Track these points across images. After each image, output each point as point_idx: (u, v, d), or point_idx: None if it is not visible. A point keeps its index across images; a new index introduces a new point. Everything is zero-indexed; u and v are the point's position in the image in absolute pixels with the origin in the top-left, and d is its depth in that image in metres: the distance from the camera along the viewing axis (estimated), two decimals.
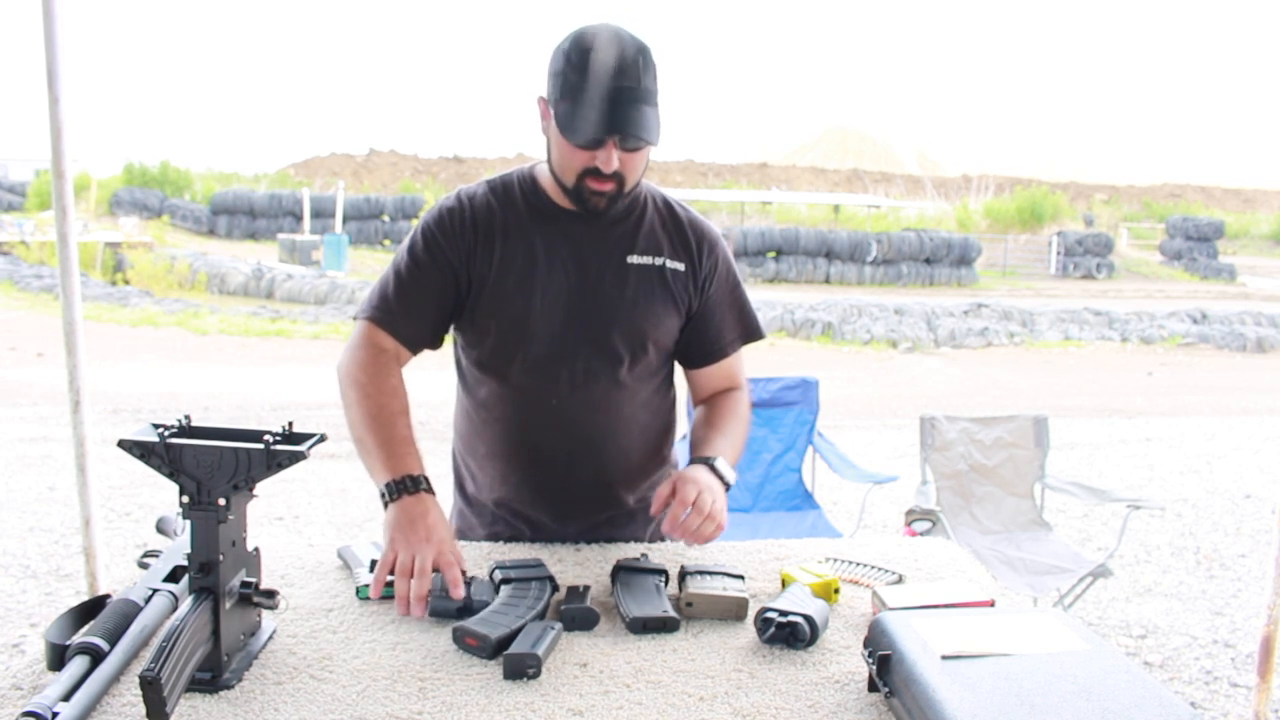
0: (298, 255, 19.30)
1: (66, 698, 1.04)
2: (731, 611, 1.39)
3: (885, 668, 1.13)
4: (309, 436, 1.20)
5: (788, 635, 1.29)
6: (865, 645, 1.20)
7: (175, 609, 1.28)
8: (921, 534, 3.31)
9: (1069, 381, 10.35)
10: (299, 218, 23.74)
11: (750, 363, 1.82)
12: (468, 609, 1.34)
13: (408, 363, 1.63)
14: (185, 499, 1.15)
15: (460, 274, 1.60)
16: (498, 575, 1.42)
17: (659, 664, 1.25)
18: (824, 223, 27.23)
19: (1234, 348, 13.09)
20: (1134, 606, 4.04)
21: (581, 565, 1.58)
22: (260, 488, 1.19)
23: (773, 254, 21.97)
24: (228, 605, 1.17)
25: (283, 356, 10.33)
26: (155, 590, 1.29)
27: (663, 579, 1.45)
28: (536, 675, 1.20)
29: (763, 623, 1.31)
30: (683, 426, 1.79)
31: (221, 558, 1.15)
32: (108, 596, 1.28)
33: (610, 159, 1.49)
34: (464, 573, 1.36)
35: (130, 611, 1.22)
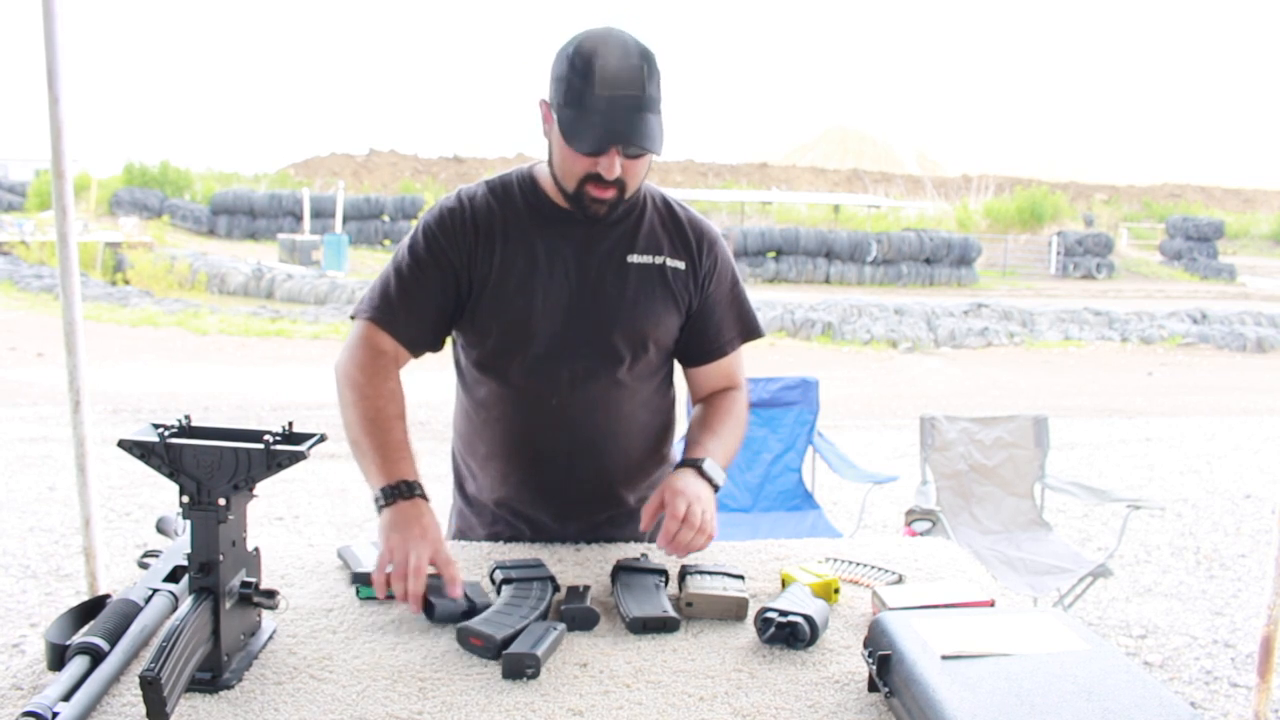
0: (298, 255, 19.30)
1: (66, 698, 1.04)
2: (731, 611, 1.39)
3: (885, 668, 1.13)
4: (309, 436, 1.20)
5: (788, 635, 1.29)
6: (865, 645, 1.21)
7: (175, 609, 1.28)
8: (921, 534, 3.31)
9: (1069, 381, 10.34)
10: (299, 218, 23.72)
11: (750, 363, 1.82)
12: (473, 612, 1.34)
13: (406, 364, 1.62)
14: (185, 499, 1.16)
15: (461, 275, 1.60)
16: (498, 575, 1.42)
17: (659, 664, 1.25)
18: (824, 223, 27.22)
19: (1234, 348, 13.09)
20: (1134, 606, 4.04)
21: (581, 565, 1.58)
22: (260, 488, 1.19)
23: (773, 254, 21.96)
24: (228, 605, 1.17)
25: (283, 356, 10.32)
26: (155, 590, 1.29)
27: (663, 579, 1.45)
28: (535, 675, 1.20)
29: (763, 623, 1.31)
30: (682, 425, 1.79)
31: (221, 558, 1.15)
32: (108, 596, 1.28)
33: (613, 166, 1.49)
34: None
35: (130, 611, 1.23)
